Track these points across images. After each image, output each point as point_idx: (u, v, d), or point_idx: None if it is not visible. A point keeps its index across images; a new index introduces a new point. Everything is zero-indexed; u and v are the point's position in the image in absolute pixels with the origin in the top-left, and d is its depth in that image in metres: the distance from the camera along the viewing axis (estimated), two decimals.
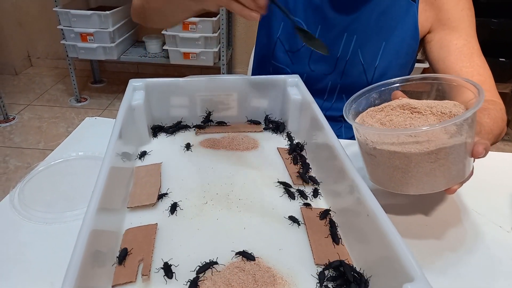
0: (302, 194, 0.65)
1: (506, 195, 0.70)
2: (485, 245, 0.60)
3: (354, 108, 0.61)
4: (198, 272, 0.50)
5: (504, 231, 0.62)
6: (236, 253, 0.53)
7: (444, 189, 0.54)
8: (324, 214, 0.60)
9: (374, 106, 0.61)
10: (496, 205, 0.68)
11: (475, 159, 0.55)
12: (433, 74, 0.61)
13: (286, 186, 0.66)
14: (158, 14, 0.83)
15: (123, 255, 0.51)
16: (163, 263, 0.51)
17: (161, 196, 0.63)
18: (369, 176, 0.59)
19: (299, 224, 0.59)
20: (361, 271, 0.50)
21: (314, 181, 0.67)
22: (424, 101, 0.57)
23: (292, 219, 0.59)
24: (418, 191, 0.54)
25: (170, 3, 0.78)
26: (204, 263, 0.51)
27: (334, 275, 0.50)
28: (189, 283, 0.49)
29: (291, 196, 0.64)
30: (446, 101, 0.56)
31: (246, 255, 0.52)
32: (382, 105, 0.59)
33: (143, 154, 0.73)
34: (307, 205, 0.63)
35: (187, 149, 0.76)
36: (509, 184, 0.73)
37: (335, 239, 0.56)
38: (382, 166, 0.54)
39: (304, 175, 0.68)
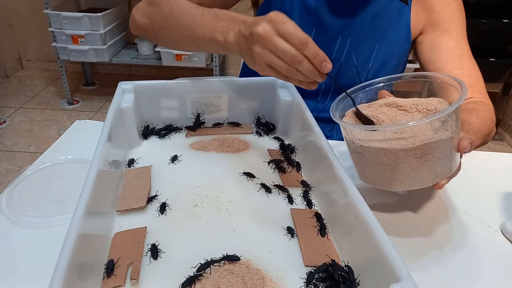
0: (290, 199, 0.64)
1: (495, 195, 0.71)
2: (474, 245, 0.60)
3: (341, 108, 0.61)
4: (199, 270, 0.50)
5: (492, 230, 0.63)
6: (220, 259, 0.52)
7: (432, 185, 0.54)
8: (317, 216, 0.60)
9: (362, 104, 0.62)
10: (485, 204, 0.69)
11: (462, 154, 0.55)
12: (420, 72, 0.61)
13: (280, 188, 0.66)
14: (172, 43, 0.78)
15: (110, 267, 0.50)
16: (150, 245, 0.54)
17: (150, 199, 0.63)
18: (358, 175, 0.59)
19: (293, 235, 0.57)
20: (350, 271, 0.50)
21: (305, 185, 0.67)
22: (410, 99, 0.58)
23: (289, 230, 0.58)
24: (406, 187, 0.54)
25: (193, 41, 0.71)
26: (205, 261, 0.51)
27: (323, 276, 0.50)
28: (185, 278, 0.49)
29: (289, 200, 0.64)
30: (431, 98, 0.57)
31: (230, 258, 0.52)
32: (369, 103, 0.60)
33: (131, 162, 0.72)
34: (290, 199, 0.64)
35: (172, 162, 0.72)
36: (498, 184, 0.74)
37: (322, 232, 0.56)
38: (370, 163, 0.55)
39: (279, 165, 0.70)
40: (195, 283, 0.49)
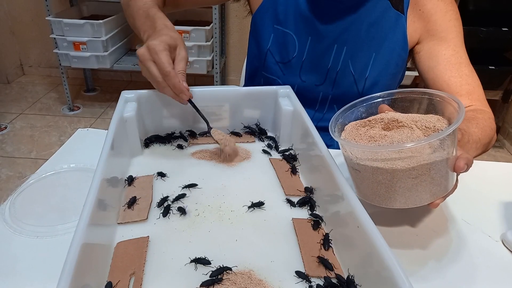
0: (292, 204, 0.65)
1: (495, 205, 0.71)
2: (474, 255, 0.60)
3: (340, 122, 0.61)
4: (212, 276, 0.51)
5: (493, 241, 0.63)
6: (210, 276, 0.52)
7: (425, 204, 0.55)
8: (316, 224, 0.60)
9: (361, 119, 0.62)
10: (485, 214, 0.69)
11: (459, 173, 0.56)
12: (420, 89, 0.62)
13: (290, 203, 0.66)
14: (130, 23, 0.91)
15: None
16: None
17: (161, 203, 0.64)
18: (355, 190, 0.59)
19: (309, 281, 0.52)
20: (352, 278, 0.50)
21: (309, 191, 0.68)
22: (409, 115, 0.58)
23: (300, 275, 0.53)
24: (402, 205, 0.55)
25: (134, 28, 0.86)
26: (219, 267, 0.52)
27: (324, 285, 0.51)
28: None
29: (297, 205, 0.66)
30: (430, 115, 0.57)
31: (223, 270, 0.52)
32: (367, 119, 0.60)
33: (130, 180, 0.70)
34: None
35: (161, 177, 0.72)
36: (499, 194, 0.74)
37: (325, 245, 0.56)
38: (367, 181, 0.55)
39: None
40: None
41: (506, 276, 0.57)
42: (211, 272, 0.52)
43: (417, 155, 0.50)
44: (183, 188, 0.68)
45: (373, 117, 0.60)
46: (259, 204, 0.64)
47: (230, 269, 0.52)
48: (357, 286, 0.49)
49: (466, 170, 0.53)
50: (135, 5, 0.84)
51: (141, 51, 0.68)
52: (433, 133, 0.54)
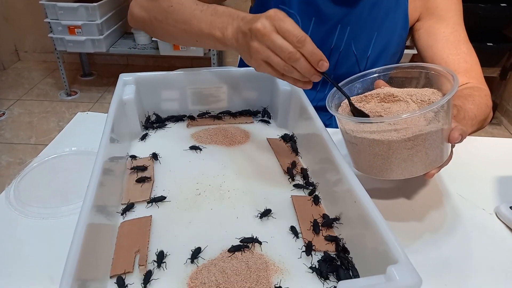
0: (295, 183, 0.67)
1: (489, 179, 0.73)
2: (469, 228, 0.62)
3: (337, 97, 0.62)
4: (243, 241, 0.55)
5: (487, 214, 0.65)
6: (241, 242, 0.55)
7: (422, 174, 0.56)
8: (316, 200, 0.62)
9: (358, 95, 0.63)
10: (480, 188, 0.70)
11: (454, 145, 0.57)
12: (416, 63, 0.62)
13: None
14: (169, 37, 0.78)
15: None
16: (158, 252, 0.54)
17: (157, 200, 0.63)
18: (353, 164, 0.61)
19: (297, 237, 0.57)
20: (349, 256, 0.52)
21: (311, 184, 0.67)
22: (405, 89, 0.59)
23: (293, 230, 0.58)
24: (398, 176, 0.56)
25: (190, 36, 0.71)
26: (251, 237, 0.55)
27: (322, 258, 0.53)
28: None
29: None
30: (426, 89, 0.58)
31: (251, 240, 0.55)
32: (363, 95, 0.61)
33: (133, 157, 0.72)
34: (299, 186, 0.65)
35: (156, 159, 0.72)
36: (492, 168, 0.75)
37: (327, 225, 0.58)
38: (363, 153, 0.56)
39: (291, 171, 0.69)
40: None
41: (500, 248, 0.59)
42: (243, 238, 0.55)
43: (412, 126, 0.51)
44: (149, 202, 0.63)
45: (369, 92, 0.61)
46: (267, 212, 0.61)
47: (259, 242, 0.55)
48: (351, 258, 0.51)
49: (461, 141, 0.54)
50: (182, 10, 0.71)
51: (261, 23, 0.55)
52: (428, 105, 0.55)
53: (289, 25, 0.54)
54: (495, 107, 2.55)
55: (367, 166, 0.58)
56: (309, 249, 0.54)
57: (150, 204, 0.62)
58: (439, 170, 0.57)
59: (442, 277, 0.54)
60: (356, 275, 0.50)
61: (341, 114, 0.59)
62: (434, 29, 0.86)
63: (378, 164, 0.56)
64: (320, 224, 0.58)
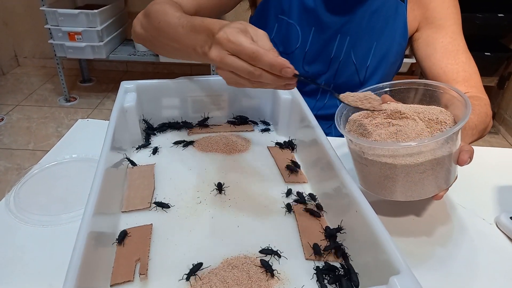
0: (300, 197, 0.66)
1: (489, 189, 0.73)
2: (469, 237, 0.62)
3: (345, 114, 0.62)
4: (265, 252, 0.54)
5: (487, 223, 0.65)
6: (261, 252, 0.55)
7: (429, 196, 0.56)
8: (318, 209, 0.62)
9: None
10: (480, 198, 0.71)
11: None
12: (422, 80, 0.62)
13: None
14: (167, 53, 0.77)
15: (122, 236, 0.56)
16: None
17: (159, 204, 0.63)
18: (360, 182, 0.61)
19: (290, 211, 0.62)
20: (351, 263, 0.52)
21: (313, 198, 0.66)
22: (412, 106, 0.59)
23: (287, 206, 0.62)
24: (407, 198, 0.56)
25: (181, 52, 0.71)
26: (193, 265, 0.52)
27: (325, 267, 0.52)
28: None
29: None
30: (433, 107, 0.58)
31: (271, 253, 0.54)
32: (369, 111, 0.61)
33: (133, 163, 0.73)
34: (300, 202, 0.65)
35: (154, 154, 0.75)
36: (492, 178, 0.76)
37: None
38: (373, 174, 0.56)
39: (294, 167, 0.70)
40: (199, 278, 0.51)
41: (501, 257, 0.59)
42: (262, 248, 0.55)
43: (425, 150, 0.51)
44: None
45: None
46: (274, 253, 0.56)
47: (279, 255, 0.54)
48: (357, 274, 0.51)
49: (469, 163, 0.55)
50: (167, 26, 0.70)
51: (213, 52, 0.54)
52: (436, 125, 0.55)
53: (239, 44, 0.51)
54: (493, 116, 2.56)
55: (375, 186, 0.58)
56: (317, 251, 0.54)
57: (155, 207, 0.63)
58: (447, 191, 0.57)
59: (442, 286, 0.54)
60: (355, 282, 0.50)
61: (353, 135, 0.58)
62: (432, 38, 0.87)
63: (387, 186, 0.56)
64: (321, 247, 0.56)
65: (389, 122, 0.57)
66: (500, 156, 0.84)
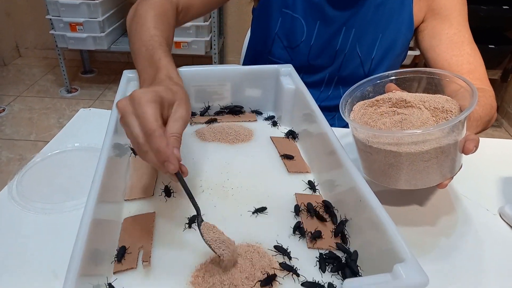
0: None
1: (493, 180, 0.73)
2: (473, 227, 0.62)
3: (349, 102, 0.62)
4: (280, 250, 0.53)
5: (491, 214, 0.65)
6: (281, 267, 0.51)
7: (434, 185, 0.56)
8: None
9: (369, 98, 0.62)
10: (484, 189, 0.70)
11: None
12: (428, 69, 0.62)
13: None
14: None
15: (121, 253, 0.51)
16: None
17: (168, 193, 0.63)
18: (364, 170, 0.61)
19: (298, 214, 0.59)
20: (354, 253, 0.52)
21: (312, 186, 0.66)
22: (417, 94, 0.58)
23: (299, 230, 0.57)
24: (411, 186, 0.56)
25: (133, 56, 0.71)
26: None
27: (328, 257, 0.52)
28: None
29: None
30: (438, 95, 0.57)
31: (289, 269, 0.50)
32: (375, 99, 0.60)
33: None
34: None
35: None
36: (496, 169, 0.75)
37: (334, 219, 0.58)
38: (377, 163, 0.56)
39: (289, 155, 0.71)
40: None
41: (505, 248, 0.59)
42: (281, 263, 0.51)
43: (430, 139, 0.51)
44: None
45: (380, 96, 0.60)
46: (262, 209, 0.60)
47: (297, 274, 0.50)
48: (361, 257, 0.51)
49: (474, 152, 0.54)
50: (138, 37, 0.68)
51: (122, 102, 0.49)
52: (442, 113, 0.54)
53: (144, 112, 0.47)
54: (496, 109, 2.55)
55: (380, 175, 0.57)
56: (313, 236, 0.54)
57: (164, 194, 0.62)
58: (451, 180, 0.57)
59: (446, 277, 0.54)
60: (353, 270, 0.50)
61: (357, 123, 0.58)
62: (437, 30, 0.86)
63: (392, 175, 0.56)
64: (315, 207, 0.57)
65: (394, 111, 0.57)
66: (504, 147, 0.83)
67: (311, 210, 0.58)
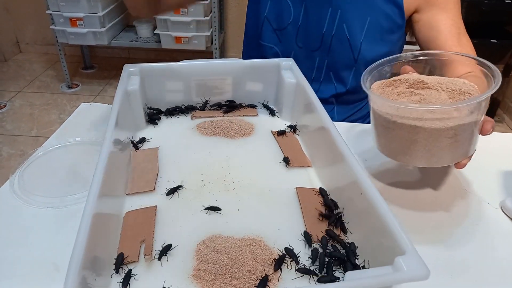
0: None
1: (494, 174, 0.73)
2: (474, 221, 0.62)
3: (369, 80, 0.61)
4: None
5: (492, 208, 0.65)
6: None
7: (453, 163, 0.56)
8: (321, 193, 0.62)
9: (386, 79, 0.62)
10: (485, 183, 0.70)
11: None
12: (448, 52, 0.63)
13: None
14: None
15: (119, 261, 0.50)
16: (162, 246, 0.53)
17: (172, 191, 0.62)
18: (380, 147, 0.60)
19: (310, 245, 0.54)
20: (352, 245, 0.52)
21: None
22: (434, 77, 0.59)
23: (306, 237, 0.55)
24: (431, 164, 0.56)
25: None
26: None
27: (329, 251, 0.52)
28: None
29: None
30: (456, 78, 0.58)
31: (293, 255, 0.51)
32: (392, 79, 0.60)
33: (141, 141, 0.74)
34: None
35: (141, 143, 0.73)
36: (498, 163, 0.75)
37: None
38: (399, 139, 0.56)
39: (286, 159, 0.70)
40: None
41: (505, 241, 0.59)
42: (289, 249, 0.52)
43: (457, 116, 0.51)
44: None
45: (398, 77, 0.60)
46: (216, 209, 0.59)
47: (297, 262, 0.51)
48: (362, 250, 0.51)
49: (490, 133, 0.56)
50: None
51: None
52: (459, 95, 0.55)
53: None
54: (497, 105, 2.55)
55: (399, 152, 0.57)
56: (308, 239, 0.54)
57: (171, 194, 0.62)
58: (469, 161, 0.57)
59: (447, 269, 0.54)
60: (353, 263, 0.50)
61: (382, 97, 0.57)
62: (435, 21, 0.86)
63: (414, 151, 0.55)
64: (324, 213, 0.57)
65: (411, 92, 0.57)
66: (506, 141, 0.83)
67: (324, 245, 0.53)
